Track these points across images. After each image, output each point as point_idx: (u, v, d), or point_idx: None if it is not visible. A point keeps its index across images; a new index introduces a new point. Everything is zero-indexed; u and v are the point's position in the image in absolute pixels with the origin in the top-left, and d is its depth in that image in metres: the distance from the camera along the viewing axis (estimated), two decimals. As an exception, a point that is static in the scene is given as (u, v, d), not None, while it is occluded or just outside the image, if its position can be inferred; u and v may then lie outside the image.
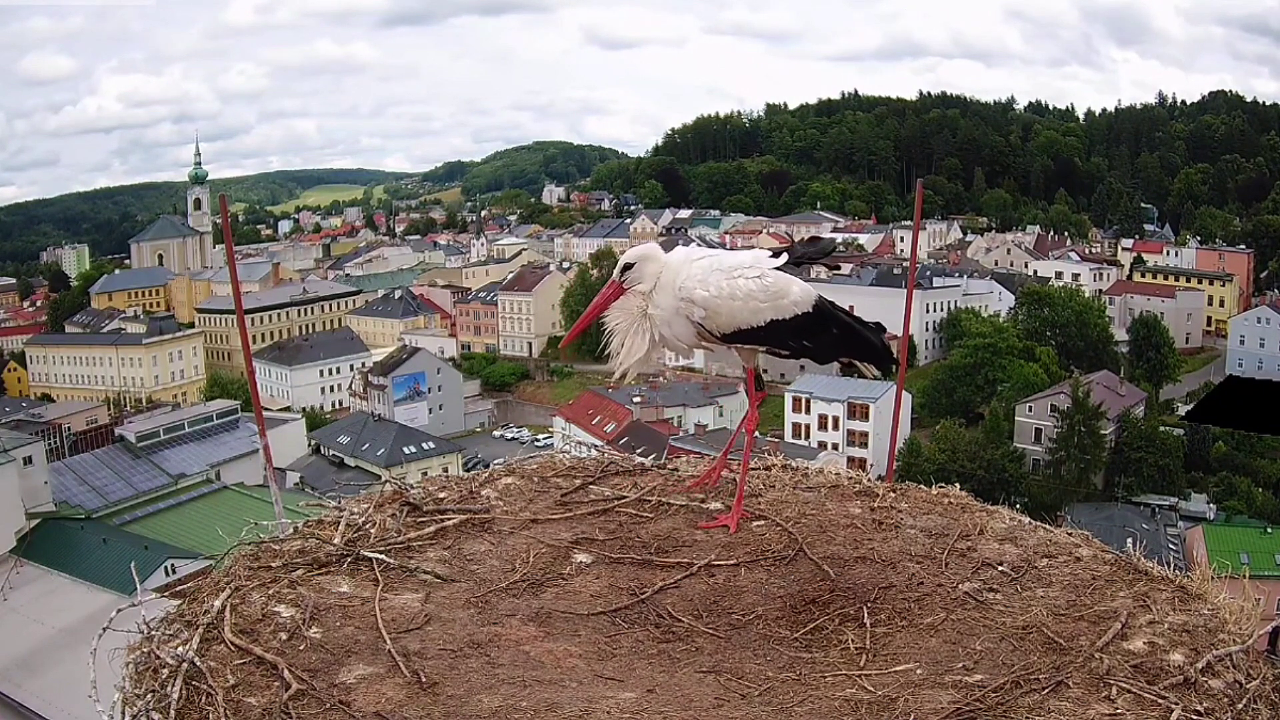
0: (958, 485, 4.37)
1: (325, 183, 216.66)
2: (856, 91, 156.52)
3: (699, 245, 4.03)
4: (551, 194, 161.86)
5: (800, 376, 66.10)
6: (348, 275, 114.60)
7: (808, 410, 60.24)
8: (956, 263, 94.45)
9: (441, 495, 4.26)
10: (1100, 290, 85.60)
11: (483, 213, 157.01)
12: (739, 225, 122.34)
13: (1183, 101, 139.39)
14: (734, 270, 3.78)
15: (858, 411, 58.14)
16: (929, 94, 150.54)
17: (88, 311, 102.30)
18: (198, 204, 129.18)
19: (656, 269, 3.83)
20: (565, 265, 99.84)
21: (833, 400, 59.14)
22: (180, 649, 2.97)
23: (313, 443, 54.40)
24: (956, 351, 69.00)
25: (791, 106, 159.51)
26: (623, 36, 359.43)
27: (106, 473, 35.88)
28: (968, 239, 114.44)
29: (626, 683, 2.99)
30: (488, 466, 4.77)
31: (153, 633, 3.11)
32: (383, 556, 3.61)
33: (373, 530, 3.85)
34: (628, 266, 3.84)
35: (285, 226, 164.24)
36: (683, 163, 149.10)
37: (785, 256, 3.91)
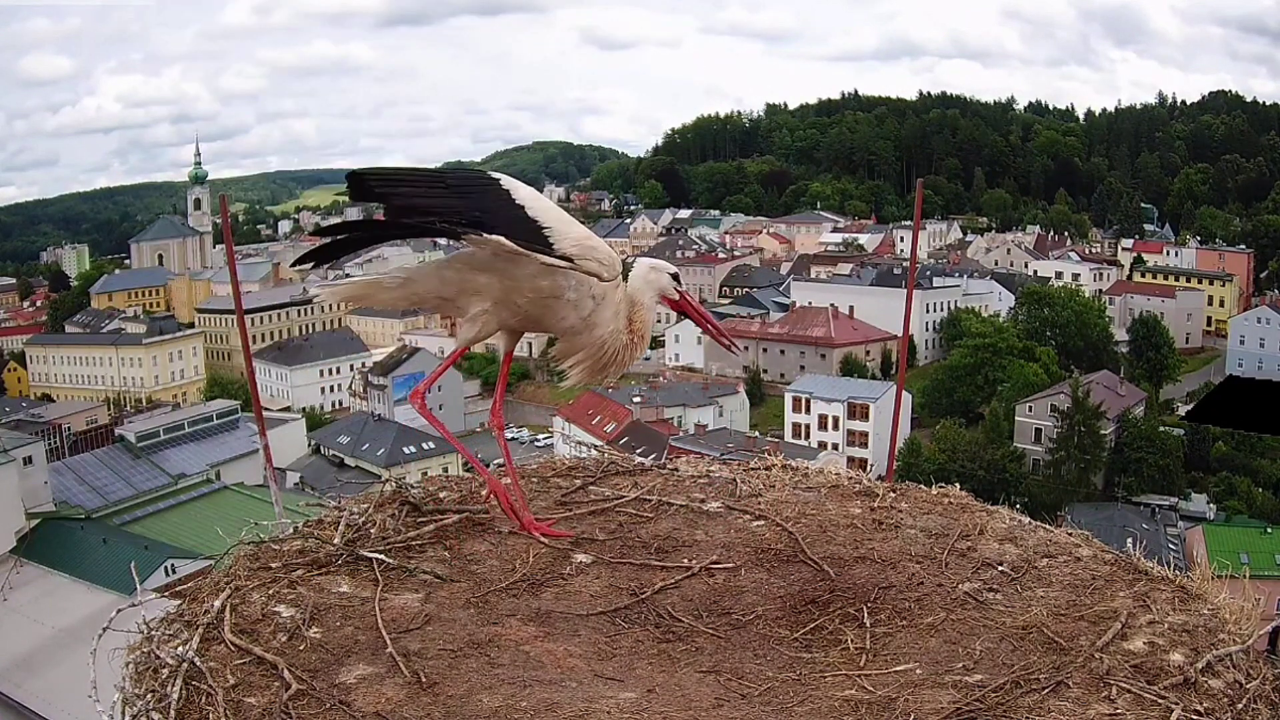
0: (958, 485, 4.37)
1: (325, 183, 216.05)
2: (856, 91, 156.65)
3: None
4: (551, 194, 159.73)
5: (800, 376, 66.17)
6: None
7: (808, 410, 60.28)
8: (956, 263, 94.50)
9: (441, 495, 4.27)
10: (1100, 290, 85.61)
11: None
12: (739, 225, 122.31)
13: (1182, 101, 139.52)
14: None
15: (858, 411, 58.18)
16: (929, 94, 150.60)
17: (88, 311, 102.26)
18: (198, 204, 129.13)
19: None
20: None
21: (833, 400, 59.19)
22: (180, 649, 2.98)
23: (313, 443, 54.45)
24: (956, 351, 69.01)
25: (791, 106, 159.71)
26: (619, 37, 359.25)
27: (106, 473, 35.88)
28: (968, 239, 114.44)
29: (626, 683, 2.99)
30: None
31: (153, 633, 3.11)
32: (383, 556, 3.62)
33: (373, 530, 3.86)
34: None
35: (285, 226, 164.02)
36: (683, 163, 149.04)
37: None
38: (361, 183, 3.48)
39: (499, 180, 3.68)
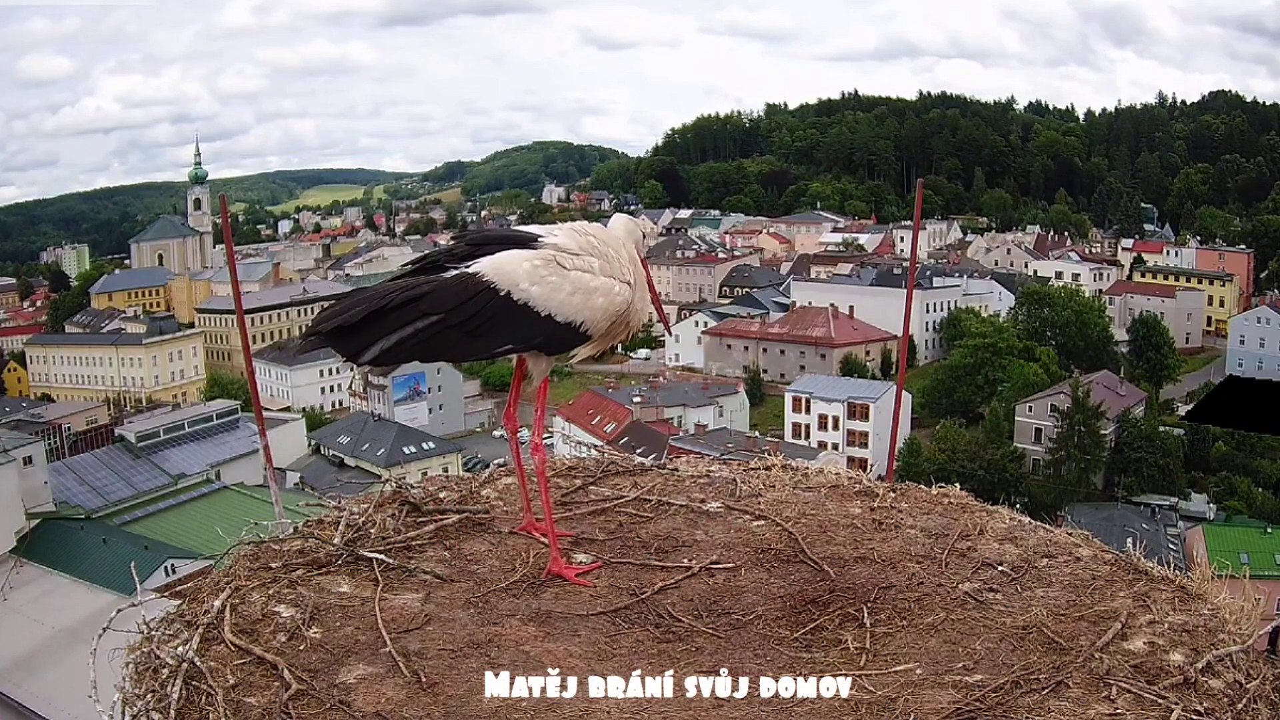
0: (958, 485, 4.38)
1: (325, 183, 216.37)
2: (856, 91, 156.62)
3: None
4: (551, 194, 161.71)
5: (800, 377, 66.12)
6: (348, 275, 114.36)
7: (808, 410, 60.23)
8: (956, 263, 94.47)
9: (441, 495, 4.27)
10: (1100, 290, 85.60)
11: (483, 213, 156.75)
12: (739, 225, 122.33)
13: (1182, 101, 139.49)
14: None
15: (858, 411, 58.14)
16: (929, 94, 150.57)
17: (88, 311, 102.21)
18: (198, 204, 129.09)
19: None
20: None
21: (833, 400, 59.15)
22: (180, 649, 2.98)
23: (313, 443, 54.33)
24: (956, 351, 68.99)
25: (791, 106, 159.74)
26: (618, 37, 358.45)
27: (106, 473, 35.85)
28: (968, 239, 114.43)
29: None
30: (488, 466, 4.77)
31: (153, 633, 3.11)
32: (382, 556, 3.61)
33: (373, 530, 3.86)
34: None
35: (285, 226, 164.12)
36: (683, 163, 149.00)
37: None
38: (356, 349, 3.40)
39: (493, 285, 3.40)
